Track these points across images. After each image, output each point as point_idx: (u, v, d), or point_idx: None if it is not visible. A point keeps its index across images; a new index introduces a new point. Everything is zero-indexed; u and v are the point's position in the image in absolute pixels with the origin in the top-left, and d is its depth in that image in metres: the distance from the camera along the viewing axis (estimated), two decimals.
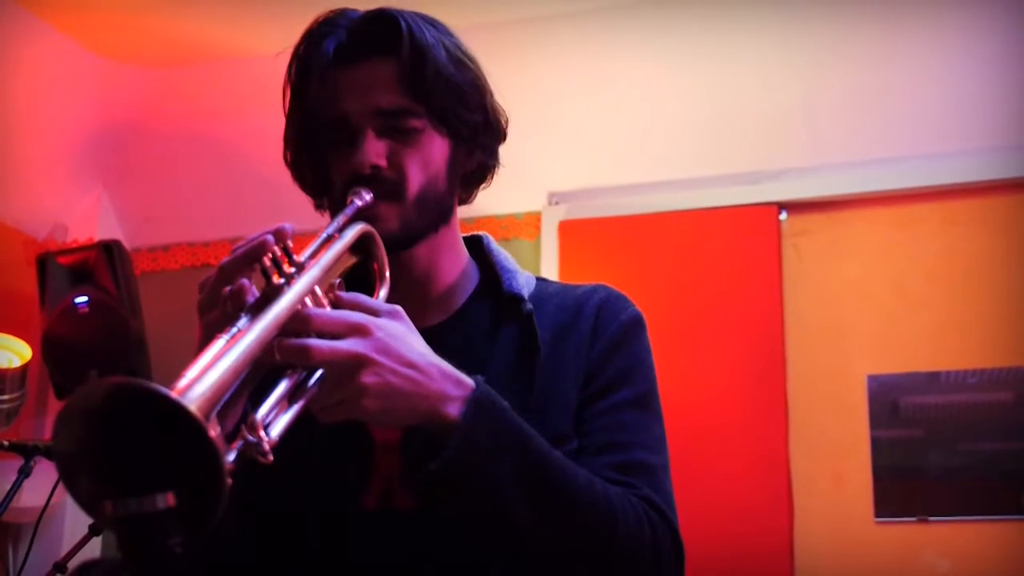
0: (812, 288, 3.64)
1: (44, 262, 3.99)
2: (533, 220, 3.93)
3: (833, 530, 3.42)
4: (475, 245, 1.63)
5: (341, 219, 1.38)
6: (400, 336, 1.24)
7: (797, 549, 3.42)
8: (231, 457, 1.03)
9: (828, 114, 3.72)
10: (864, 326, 3.56)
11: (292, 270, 1.21)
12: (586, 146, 3.95)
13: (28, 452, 2.83)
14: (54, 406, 4.06)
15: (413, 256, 1.50)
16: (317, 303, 1.24)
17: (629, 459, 1.43)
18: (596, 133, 3.94)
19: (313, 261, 1.26)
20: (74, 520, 3.79)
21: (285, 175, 1.58)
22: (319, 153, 1.51)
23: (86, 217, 4.36)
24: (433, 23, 1.51)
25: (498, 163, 1.59)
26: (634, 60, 3.94)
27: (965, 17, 3.64)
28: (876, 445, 3.44)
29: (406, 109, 1.45)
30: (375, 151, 1.43)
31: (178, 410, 0.88)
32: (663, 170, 3.84)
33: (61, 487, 2.61)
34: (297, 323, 1.18)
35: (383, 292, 1.42)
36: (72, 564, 2.58)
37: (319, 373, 1.19)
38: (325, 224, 1.49)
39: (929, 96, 3.64)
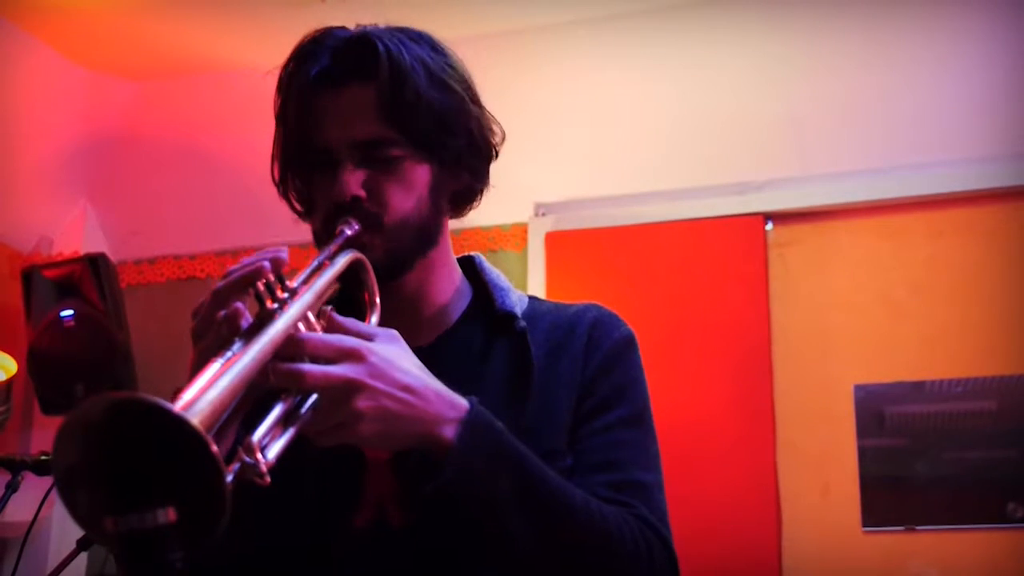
0: (798, 298, 3.64)
1: (29, 276, 3.98)
2: (520, 231, 3.93)
3: (821, 540, 3.42)
4: (467, 265, 1.63)
5: (331, 247, 1.38)
6: (394, 359, 1.24)
7: (785, 559, 3.43)
8: (228, 479, 1.03)
9: (813, 125, 3.73)
10: (850, 336, 3.57)
11: (285, 295, 1.21)
12: (572, 157, 3.96)
13: (15, 467, 2.82)
14: (40, 420, 4.04)
15: (403, 282, 1.50)
16: (310, 328, 1.24)
17: (624, 478, 1.43)
18: (582, 144, 3.95)
19: (306, 287, 1.26)
20: (61, 535, 3.78)
21: (271, 187, 1.58)
22: (303, 175, 1.52)
23: (71, 230, 4.35)
24: (418, 40, 1.50)
25: (487, 184, 1.58)
26: (620, 71, 3.95)
27: (951, 28, 3.66)
28: (863, 455, 3.45)
29: (384, 139, 1.44)
30: (354, 182, 1.43)
31: (181, 425, 0.88)
32: (649, 181, 3.84)
33: (48, 502, 2.60)
34: (291, 347, 1.18)
35: (374, 319, 1.42)
36: None
37: (313, 397, 1.19)
38: (310, 236, 1.49)
39: (914, 107, 3.65)
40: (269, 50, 1.54)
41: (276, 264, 1.22)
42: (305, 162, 1.49)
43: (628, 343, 1.55)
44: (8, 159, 4.11)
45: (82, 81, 4.28)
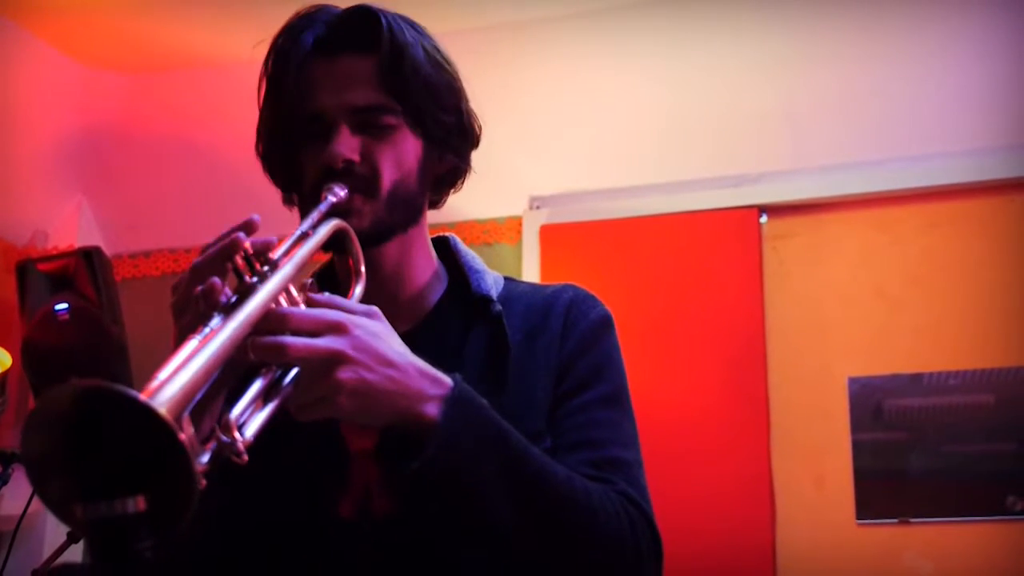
0: (793, 291, 3.64)
1: (24, 269, 3.96)
2: (514, 224, 3.93)
3: (815, 532, 3.43)
4: (442, 247, 1.63)
5: (315, 215, 1.37)
6: (378, 334, 1.24)
7: (779, 551, 3.43)
8: (205, 458, 1.03)
9: (808, 117, 3.72)
10: (845, 328, 3.57)
11: (265, 268, 1.20)
12: (567, 150, 3.95)
13: (6, 459, 2.82)
14: None
15: (383, 258, 1.50)
16: (292, 302, 1.23)
17: (604, 455, 1.44)
18: (577, 137, 3.95)
19: (286, 259, 1.25)
20: (54, 527, 3.77)
21: (267, 181, 1.58)
22: (292, 145, 1.51)
23: (66, 224, 4.35)
24: (412, 24, 1.52)
25: (470, 168, 1.59)
26: (615, 64, 3.95)
27: (946, 20, 3.65)
28: (857, 447, 3.45)
29: (382, 106, 1.45)
30: (348, 146, 1.43)
31: (147, 412, 0.87)
32: (644, 174, 3.84)
33: None
34: (273, 322, 1.17)
35: (359, 288, 1.42)
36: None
37: (294, 372, 1.19)
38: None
39: (909, 99, 3.65)
40: (264, 45, 1.53)
41: (248, 228, 1.22)
42: (296, 130, 1.49)
43: (604, 323, 1.55)
44: (3, 153, 4.10)
45: (77, 76, 4.28)
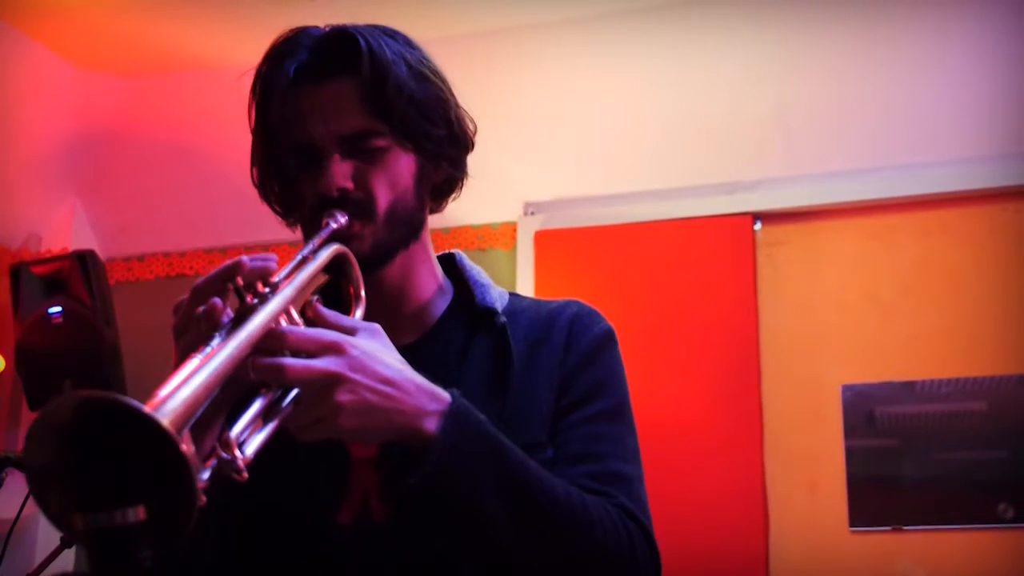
0: (787, 298, 3.65)
1: (18, 272, 3.96)
2: (509, 230, 3.93)
3: (808, 540, 3.43)
4: (449, 263, 1.63)
5: (316, 241, 1.38)
6: (375, 353, 1.24)
7: (772, 558, 3.43)
8: (205, 475, 1.03)
9: (803, 125, 3.73)
10: (839, 336, 3.57)
11: (266, 290, 1.21)
12: (562, 156, 3.96)
13: (0, 463, 2.81)
14: (27, 417, 4.02)
15: (385, 273, 1.50)
16: (292, 323, 1.24)
17: (604, 469, 1.44)
18: (572, 144, 3.95)
19: (287, 281, 1.26)
20: (47, 532, 3.77)
21: None
22: (286, 175, 1.51)
23: (60, 227, 4.34)
24: (393, 36, 1.51)
25: (466, 174, 1.59)
26: (610, 71, 3.95)
27: (940, 29, 3.66)
28: (851, 454, 3.45)
29: (369, 130, 1.45)
30: (341, 174, 1.43)
31: (149, 423, 0.88)
32: (639, 180, 3.85)
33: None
34: (271, 341, 1.18)
35: (359, 312, 1.42)
36: None
37: (294, 392, 1.19)
38: (299, 235, 1.49)
39: (903, 107, 3.66)
40: (258, 48, 1.53)
41: (263, 271, 1.23)
42: (289, 160, 1.49)
43: (607, 338, 1.56)
44: None
45: (72, 78, 4.27)
